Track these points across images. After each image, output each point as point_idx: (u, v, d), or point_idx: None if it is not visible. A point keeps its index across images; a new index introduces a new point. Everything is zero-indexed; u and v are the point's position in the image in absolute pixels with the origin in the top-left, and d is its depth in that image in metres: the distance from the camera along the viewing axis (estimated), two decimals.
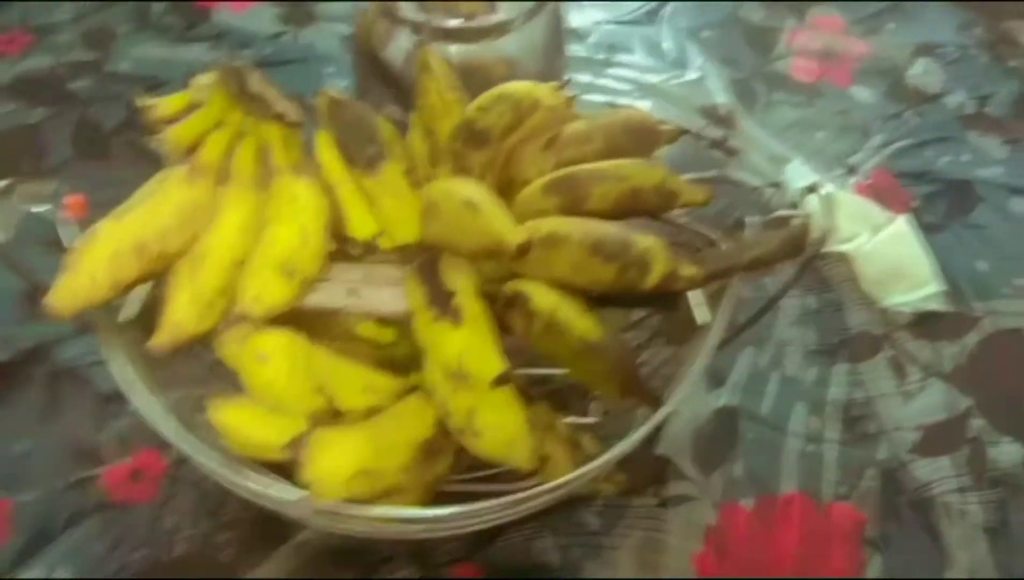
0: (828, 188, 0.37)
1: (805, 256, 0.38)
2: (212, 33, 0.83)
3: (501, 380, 0.32)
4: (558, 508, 0.51)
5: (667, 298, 0.41)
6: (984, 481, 0.51)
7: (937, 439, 0.53)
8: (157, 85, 0.77)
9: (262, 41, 0.82)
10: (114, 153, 0.72)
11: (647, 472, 0.52)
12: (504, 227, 0.32)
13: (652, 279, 0.34)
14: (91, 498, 0.53)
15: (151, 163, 0.72)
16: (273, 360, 0.34)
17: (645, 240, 0.34)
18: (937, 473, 0.52)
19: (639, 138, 0.42)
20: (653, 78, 0.76)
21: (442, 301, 0.34)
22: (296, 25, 0.83)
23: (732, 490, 0.52)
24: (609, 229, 0.35)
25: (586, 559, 0.49)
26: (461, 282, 0.34)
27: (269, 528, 0.49)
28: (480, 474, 0.43)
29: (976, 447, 0.53)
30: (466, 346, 0.32)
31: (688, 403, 0.55)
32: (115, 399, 0.57)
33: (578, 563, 0.49)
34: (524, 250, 0.32)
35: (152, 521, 0.52)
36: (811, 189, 0.38)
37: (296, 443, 0.34)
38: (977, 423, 0.54)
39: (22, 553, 0.51)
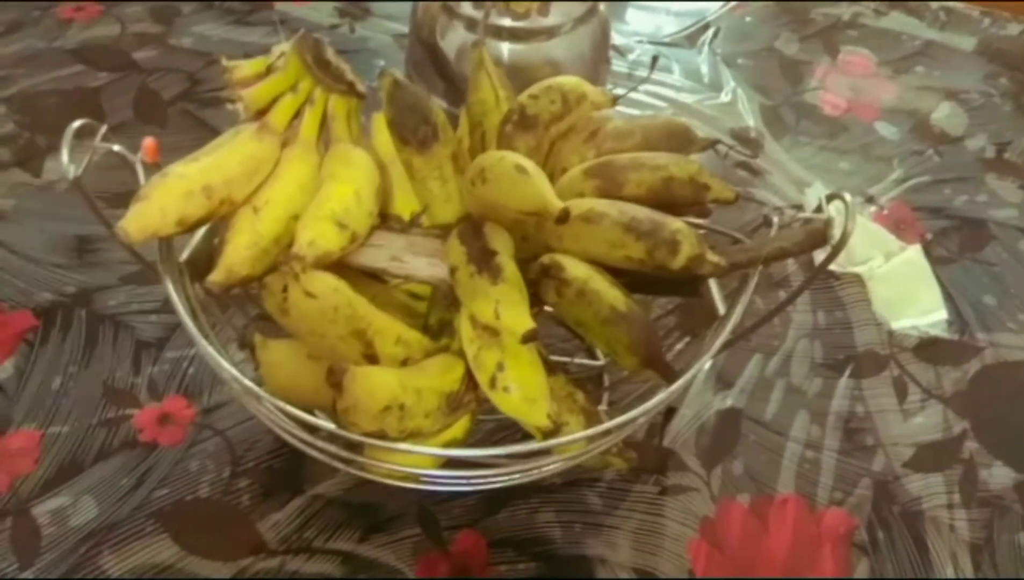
0: (849, 197, 0.39)
1: (824, 262, 0.40)
2: (271, 20, 0.86)
3: (530, 337, 0.35)
4: (563, 486, 0.54)
5: (691, 285, 0.43)
6: (973, 500, 0.53)
7: (931, 457, 0.55)
8: (215, 62, 0.80)
9: (319, 31, 0.85)
10: (171, 121, 0.75)
11: (651, 461, 0.54)
12: (549, 193, 0.34)
13: (680, 259, 0.36)
14: (120, 436, 0.55)
15: (206, 131, 0.75)
16: (321, 298, 0.37)
17: (676, 222, 0.36)
18: (928, 488, 0.53)
19: (676, 141, 0.43)
20: (687, 98, 0.78)
21: (483, 258, 0.36)
22: (352, 19, 0.87)
23: (731, 486, 0.53)
24: (643, 210, 0.37)
25: (587, 536, 0.51)
26: (502, 245, 0.37)
27: (286, 479, 0.52)
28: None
29: (968, 468, 0.54)
30: (502, 300, 0.35)
31: (695, 402, 0.58)
32: (150, 346, 0.60)
33: (579, 539, 0.51)
34: (565, 216, 0.34)
35: (177, 463, 0.54)
36: (834, 196, 0.40)
37: (336, 371, 0.36)
38: (971, 445, 0.55)
39: (49, 482, 0.52)
